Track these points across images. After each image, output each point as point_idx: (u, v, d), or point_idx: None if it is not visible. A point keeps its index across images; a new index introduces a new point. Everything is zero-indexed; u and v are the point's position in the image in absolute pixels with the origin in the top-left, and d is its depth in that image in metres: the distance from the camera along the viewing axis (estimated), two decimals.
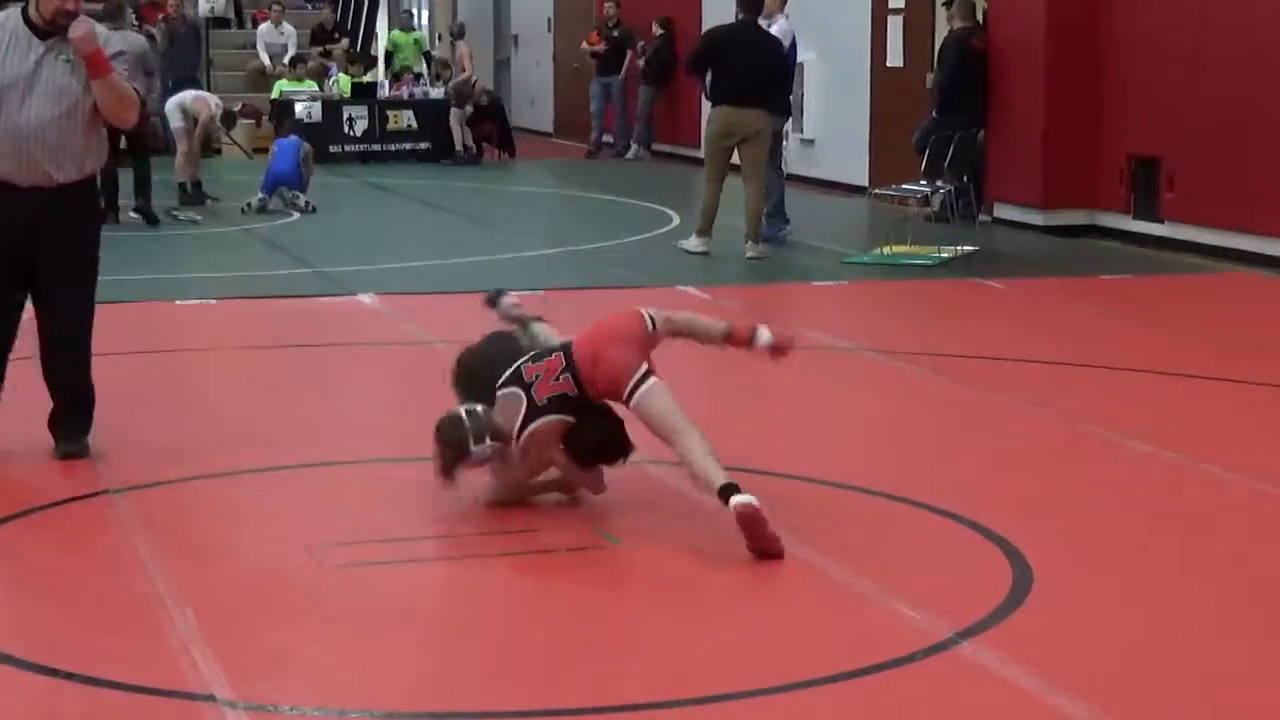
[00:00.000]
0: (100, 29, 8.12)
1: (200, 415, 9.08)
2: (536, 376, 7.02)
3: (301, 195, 18.24)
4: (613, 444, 7.12)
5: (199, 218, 17.80)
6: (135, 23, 18.84)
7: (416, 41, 28.60)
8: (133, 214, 16.81)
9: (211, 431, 8.72)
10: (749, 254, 14.98)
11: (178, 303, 12.42)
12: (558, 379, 7.00)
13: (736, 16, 15.31)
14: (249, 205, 18.10)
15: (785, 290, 13.77)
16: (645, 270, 14.23)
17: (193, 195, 18.68)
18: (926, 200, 16.91)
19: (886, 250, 15.15)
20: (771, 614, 6.04)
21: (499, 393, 7.05)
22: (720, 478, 6.65)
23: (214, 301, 12.46)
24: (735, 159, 14.94)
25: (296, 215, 17.86)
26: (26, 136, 7.95)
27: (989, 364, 10.36)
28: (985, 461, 8.24)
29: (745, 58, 14.88)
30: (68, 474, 7.76)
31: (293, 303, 12.53)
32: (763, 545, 6.51)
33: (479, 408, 7.01)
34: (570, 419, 7.02)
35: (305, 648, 5.68)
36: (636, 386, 6.95)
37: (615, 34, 25.93)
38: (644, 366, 7.04)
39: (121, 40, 14.55)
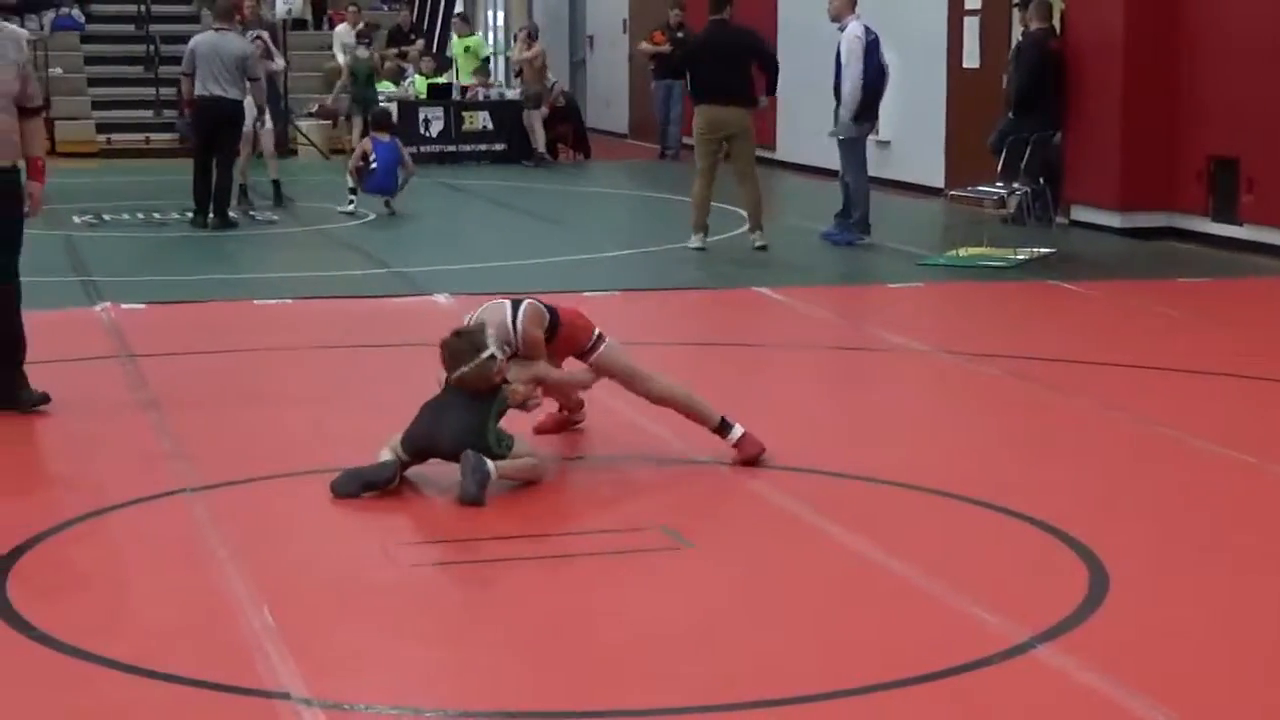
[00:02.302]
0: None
1: (276, 414, 9.12)
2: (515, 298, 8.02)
3: (392, 202, 18.25)
4: None
5: (275, 217, 17.90)
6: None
7: (468, 49, 27.58)
8: (212, 216, 16.89)
9: (287, 431, 8.76)
10: (757, 243, 15.36)
11: (255, 302, 12.49)
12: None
13: (710, 19, 15.82)
14: (350, 204, 18.16)
15: (861, 292, 13.73)
16: (719, 272, 14.22)
17: (275, 196, 18.74)
18: (1003, 202, 16.83)
19: (962, 252, 15.09)
20: (846, 616, 6.01)
21: (481, 309, 7.89)
22: (715, 412, 7.99)
23: (290, 301, 12.52)
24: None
25: (372, 216, 17.92)
26: None
27: (1065, 367, 10.29)
28: (1061, 464, 8.18)
29: (713, 57, 15.35)
30: (145, 472, 7.81)
31: (369, 303, 12.57)
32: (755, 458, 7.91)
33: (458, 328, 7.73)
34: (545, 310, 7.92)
35: (380, 646, 5.69)
36: (597, 344, 8.02)
37: (680, 35, 25.77)
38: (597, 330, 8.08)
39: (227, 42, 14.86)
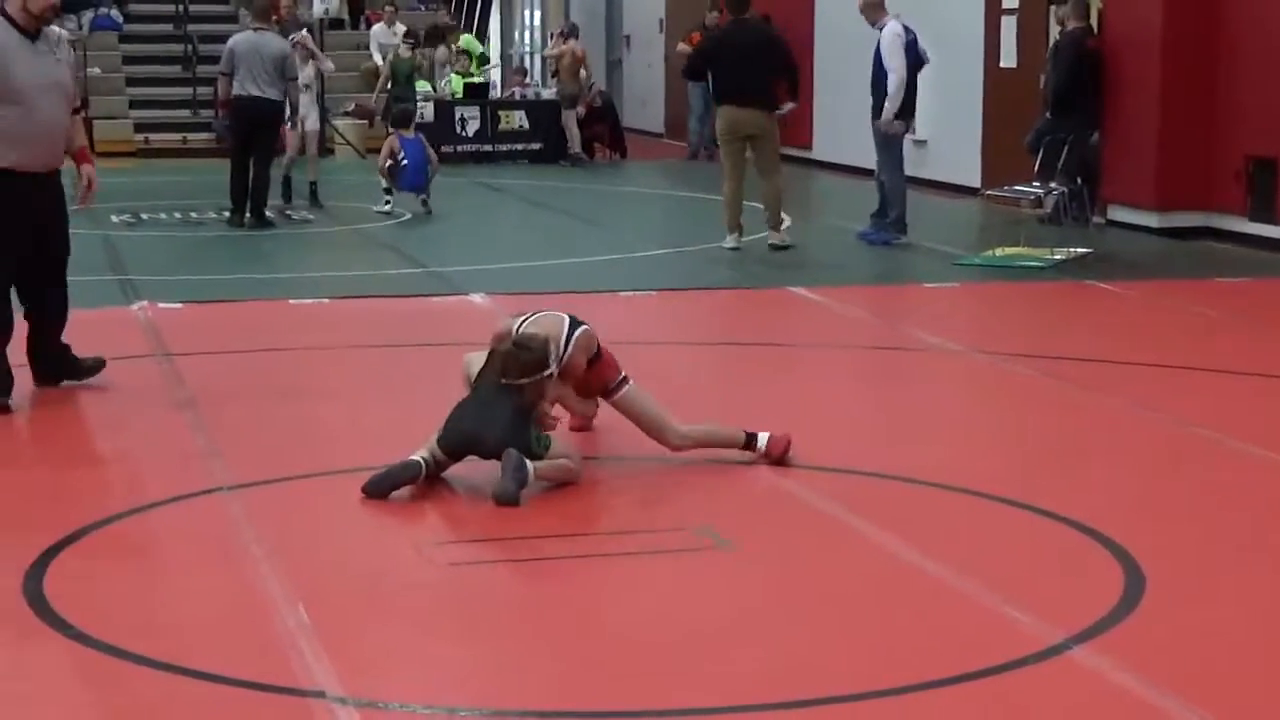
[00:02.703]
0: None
1: (310, 414, 9.14)
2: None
3: (427, 198, 18.25)
4: None
5: (312, 217, 17.93)
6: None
7: (460, 50, 26.76)
8: (249, 216, 16.94)
9: (321, 430, 8.78)
10: (770, 241, 15.33)
11: (291, 302, 12.51)
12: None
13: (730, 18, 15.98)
14: (385, 204, 18.14)
15: (896, 291, 13.71)
16: (753, 272, 14.21)
17: (311, 197, 18.71)
18: (1039, 202, 16.77)
19: (998, 252, 15.06)
20: (882, 617, 6.01)
21: (538, 314, 7.91)
22: (739, 431, 7.97)
23: (326, 301, 12.55)
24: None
25: (408, 215, 17.95)
26: (50, 129, 9.04)
27: (1100, 367, 10.26)
28: (1097, 465, 8.16)
29: (734, 58, 15.32)
30: (181, 471, 7.83)
31: (404, 302, 12.59)
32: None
33: (521, 337, 7.72)
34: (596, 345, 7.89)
35: (415, 645, 5.71)
36: (622, 385, 7.97)
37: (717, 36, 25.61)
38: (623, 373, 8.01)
39: (266, 42, 15.28)
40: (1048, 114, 16.56)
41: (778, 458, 7.90)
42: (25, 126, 8.93)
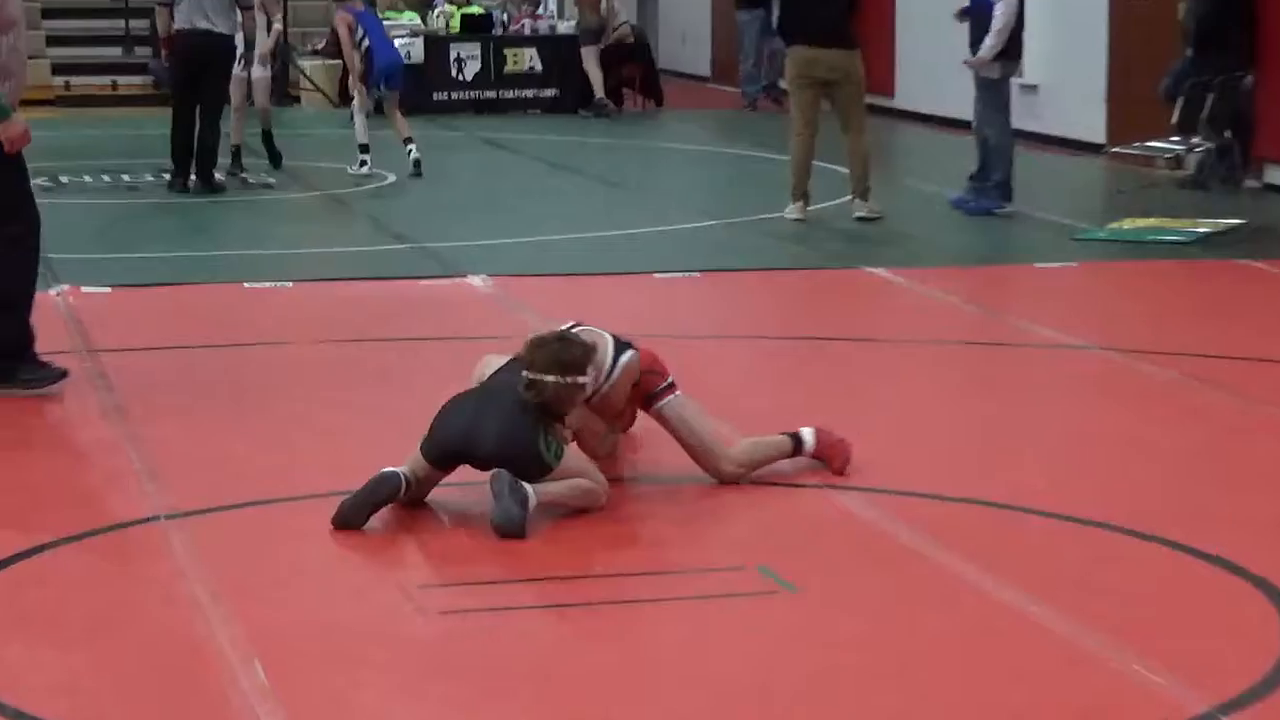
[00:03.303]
0: None
1: (272, 425, 9.15)
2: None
3: (412, 147, 18.12)
4: None
5: (273, 181, 17.95)
6: None
7: None
8: (193, 179, 16.97)
9: (284, 445, 8.79)
10: (856, 213, 15.41)
11: (246, 285, 12.53)
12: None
13: None
14: (361, 165, 18.08)
15: (1002, 273, 13.69)
16: (823, 248, 14.20)
17: (269, 153, 18.65)
18: (1179, 161, 16.75)
19: (1128, 224, 15.03)
20: (978, 673, 5.99)
21: (577, 328, 7.93)
22: (782, 435, 8.11)
23: (290, 285, 12.57)
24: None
25: (392, 177, 17.95)
26: (26, 61, 9.76)
27: (1254, 366, 10.24)
28: (1251, 491, 8.12)
29: None
30: (109, 496, 7.84)
31: (387, 286, 12.60)
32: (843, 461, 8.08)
33: (568, 332, 7.82)
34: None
35: (399, 711, 5.71)
36: (666, 392, 8.02)
37: None
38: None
39: None
40: (1189, 53, 16.54)
41: (839, 468, 7.97)
42: (13, 58, 9.49)
